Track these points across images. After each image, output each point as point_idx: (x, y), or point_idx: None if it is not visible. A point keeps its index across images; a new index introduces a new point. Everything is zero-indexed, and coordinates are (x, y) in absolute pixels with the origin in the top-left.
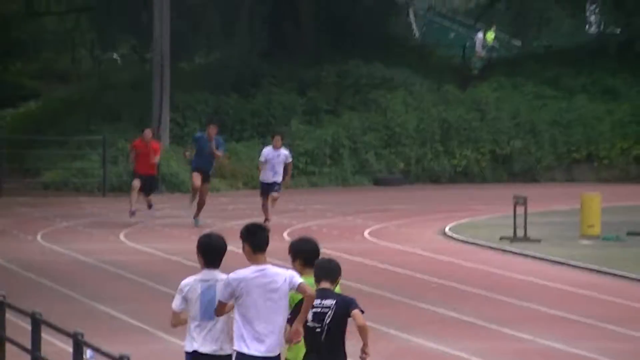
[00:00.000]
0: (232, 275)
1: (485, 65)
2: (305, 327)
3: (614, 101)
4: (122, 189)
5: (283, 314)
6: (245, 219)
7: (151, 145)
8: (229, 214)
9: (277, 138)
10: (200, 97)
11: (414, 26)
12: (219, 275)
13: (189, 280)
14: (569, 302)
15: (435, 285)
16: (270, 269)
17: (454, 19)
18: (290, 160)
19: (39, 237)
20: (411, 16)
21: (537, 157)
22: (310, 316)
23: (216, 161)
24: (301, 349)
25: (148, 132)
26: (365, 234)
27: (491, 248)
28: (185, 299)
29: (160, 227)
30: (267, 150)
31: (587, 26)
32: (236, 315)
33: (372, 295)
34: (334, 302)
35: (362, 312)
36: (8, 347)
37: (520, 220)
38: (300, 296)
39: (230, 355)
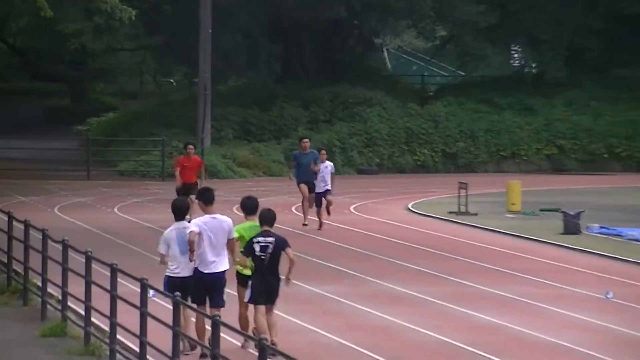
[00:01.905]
0: (197, 221)
1: (438, 89)
2: (254, 255)
3: (531, 115)
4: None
5: (227, 241)
6: (264, 197)
7: (194, 160)
8: (252, 194)
9: (323, 152)
10: (231, 110)
11: (387, 61)
12: (186, 224)
13: (166, 232)
14: (496, 259)
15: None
16: (219, 216)
17: (416, 56)
18: (333, 171)
19: (115, 210)
20: (385, 54)
21: (475, 154)
22: (257, 248)
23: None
24: (248, 270)
25: (191, 149)
26: (351, 208)
27: (441, 219)
28: (166, 244)
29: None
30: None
31: (511, 61)
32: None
33: (354, 252)
34: (274, 239)
35: (290, 247)
36: (93, 288)
37: (462, 200)
38: (247, 238)
39: (224, 272)
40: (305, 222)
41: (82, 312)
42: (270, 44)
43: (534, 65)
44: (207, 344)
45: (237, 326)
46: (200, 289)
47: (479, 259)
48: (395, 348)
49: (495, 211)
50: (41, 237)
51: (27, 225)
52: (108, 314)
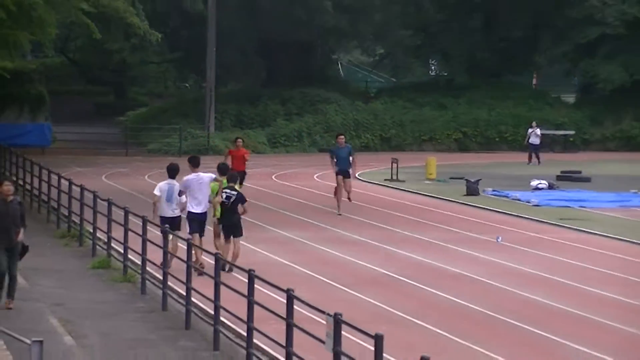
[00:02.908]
0: (184, 178)
1: (377, 91)
2: (222, 203)
3: (443, 110)
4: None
5: (206, 193)
6: (251, 169)
7: (241, 152)
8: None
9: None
10: (230, 106)
11: (341, 70)
12: (174, 181)
13: (161, 184)
14: (418, 212)
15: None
16: (201, 173)
17: (361, 67)
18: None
19: (146, 177)
20: (339, 65)
21: (404, 138)
22: (224, 196)
23: (353, 164)
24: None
25: (240, 142)
26: (314, 177)
27: (379, 185)
28: (160, 190)
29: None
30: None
31: (429, 71)
32: (187, 196)
33: (317, 208)
34: (237, 193)
35: (247, 201)
36: (130, 234)
37: (394, 171)
38: (216, 190)
39: (179, 216)
40: (340, 213)
41: (122, 251)
42: (258, 58)
43: (445, 73)
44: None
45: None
46: (193, 222)
47: (405, 212)
48: (347, 277)
49: (417, 179)
50: (92, 196)
51: (82, 188)
52: (140, 252)
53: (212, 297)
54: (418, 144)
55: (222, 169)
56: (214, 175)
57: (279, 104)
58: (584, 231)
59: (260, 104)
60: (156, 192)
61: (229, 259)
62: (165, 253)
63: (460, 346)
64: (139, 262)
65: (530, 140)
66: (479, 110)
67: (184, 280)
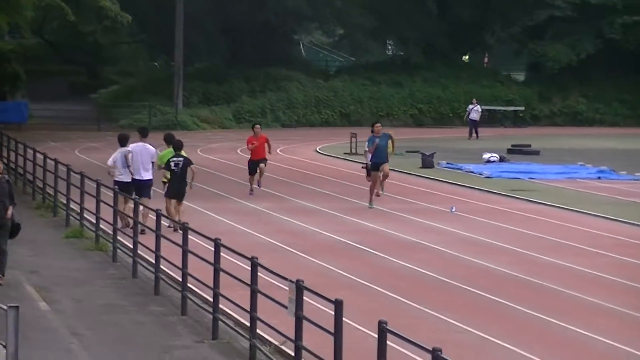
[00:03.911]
0: (131, 146)
1: (337, 69)
2: (171, 169)
3: (399, 88)
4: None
5: (151, 161)
6: (218, 143)
7: (261, 138)
8: (209, 141)
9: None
10: (197, 84)
11: (302, 50)
12: (125, 149)
13: (114, 153)
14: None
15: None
16: (147, 145)
17: (321, 47)
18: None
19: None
20: (301, 46)
21: (362, 114)
22: (172, 164)
23: (390, 151)
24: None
25: (258, 129)
26: (278, 151)
27: (339, 158)
28: (113, 160)
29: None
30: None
31: (387, 51)
32: (132, 163)
33: (280, 180)
34: (183, 159)
35: (193, 163)
36: (102, 205)
37: (353, 145)
38: (165, 158)
39: (148, 180)
40: (372, 206)
41: (94, 221)
42: (224, 38)
43: (402, 53)
44: (146, 223)
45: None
46: (137, 188)
47: (364, 184)
48: (308, 245)
49: None
50: (66, 170)
51: (56, 162)
52: (112, 222)
53: (180, 264)
54: (376, 119)
55: (168, 139)
56: (157, 150)
57: (244, 82)
58: (534, 201)
59: (225, 82)
60: (109, 162)
61: (176, 219)
62: (115, 212)
63: (417, 311)
64: (111, 232)
65: (470, 117)
66: (433, 88)
67: (154, 248)
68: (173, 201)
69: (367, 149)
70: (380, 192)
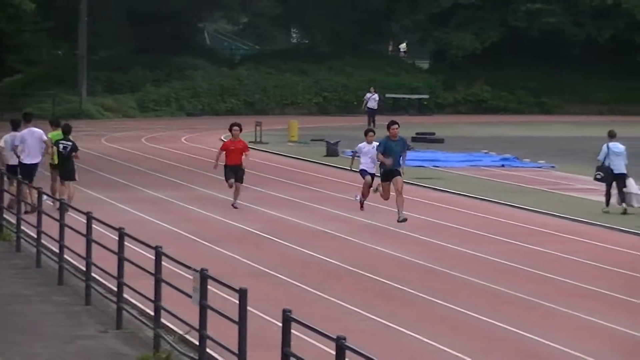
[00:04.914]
0: (19, 132)
1: (242, 57)
2: (59, 152)
3: (305, 76)
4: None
5: (41, 146)
6: (124, 132)
7: (239, 144)
8: (114, 130)
9: (396, 127)
10: (101, 73)
11: (207, 39)
12: (18, 133)
13: (6, 136)
14: (281, 173)
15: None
16: (34, 129)
17: (226, 35)
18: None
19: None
20: (206, 34)
21: (267, 102)
22: (61, 147)
23: (404, 157)
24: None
25: (237, 131)
26: (182, 139)
27: None
28: (5, 142)
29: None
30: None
31: (291, 39)
32: (23, 148)
33: (183, 169)
34: (71, 143)
35: (78, 149)
36: (6, 195)
37: (258, 133)
38: (56, 138)
39: (36, 163)
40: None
41: None
42: (129, 27)
43: (306, 41)
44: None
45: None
46: (24, 172)
47: (268, 172)
48: (212, 234)
49: (280, 141)
50: None
51: None
52: (15, 212)
53: (84, 254)
54: (281, 108)
55: (54, 123)
56: (44, 134)
57: (148, 71)
58: (438, 189)
59: (130, 71)
60: (1, 143)
61: (66, 199)
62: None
63: (322, 299)
64: (14, 222)
65: (368, 105)
66: (338, 76)
67: (57, 237)
68: (58, 179)
69: (369, 154)
70: (400, 217)
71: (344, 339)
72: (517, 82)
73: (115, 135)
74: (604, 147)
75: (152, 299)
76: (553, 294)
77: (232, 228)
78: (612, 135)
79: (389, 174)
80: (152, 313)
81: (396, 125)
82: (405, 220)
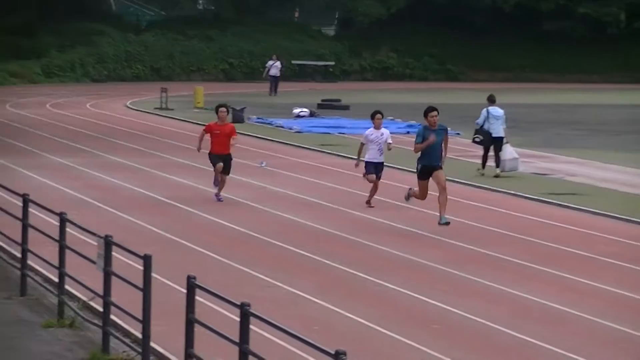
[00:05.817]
0: None
1: (148, 23)
2: None
3: (211, 42)
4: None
5: None
6: (30, 97)
7: (226, 127)
8: (19, 96)
9: (434, 113)
10: (6, 38)
11: (113, 5)
12: None
13: None
14: (188, 140)
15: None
16: None
17: (132, 1)
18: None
19: None
20: (112, 0)
21: (173, 69)
22: None
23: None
24: None
25: (224, 113)
26: (87, 105)
27: (149, 113)
28: None
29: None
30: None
31: (197, 5)
32: None
33: (90, 135)
34: None
35: None
36: None
37: (164, 100)
38: None
39: None
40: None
41: None
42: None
43: (213, 8)
44: None
45: None
46: None
47: (174, 139)
48: (118, 201)
49: (186, 107)
50: None
51: None
52: None
53: None
54: (187, 74)
55: None
56: None
57: (53, 37)
58: (343, 156)
59: (35, 37)
60: None
61: None
62: None
63: (227, 266)
64: None
65: (270, 72)
66: (244, 43)
67: None
68: None
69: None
70: (442, 220)
71: (249, 305)
72: (423, 49)
73: (20, 101)
74: (484, 111)
75: (57, 265)
76: (456, 260)
77: (137, 194)
78: (492, 100)
79: (429, 170)
80: (56, 280)
81: (435, 112)
82: (448, 223)
